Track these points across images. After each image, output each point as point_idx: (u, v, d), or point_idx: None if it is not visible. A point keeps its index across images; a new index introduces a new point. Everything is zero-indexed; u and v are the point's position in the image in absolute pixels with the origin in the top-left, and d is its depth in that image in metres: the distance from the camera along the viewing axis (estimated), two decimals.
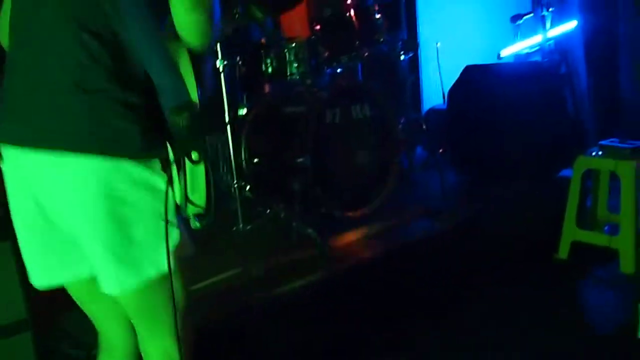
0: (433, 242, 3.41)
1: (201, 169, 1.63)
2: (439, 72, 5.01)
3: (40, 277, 1.77)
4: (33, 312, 2.49)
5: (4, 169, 1.73)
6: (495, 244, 3.50)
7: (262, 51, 3.88)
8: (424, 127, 4.44)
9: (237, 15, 3.62)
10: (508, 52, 4.71)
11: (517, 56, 4.72)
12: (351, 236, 3.36)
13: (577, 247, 3.42)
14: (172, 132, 1.55)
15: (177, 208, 1.66)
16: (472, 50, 5.09)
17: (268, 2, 3.91)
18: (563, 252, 3.46)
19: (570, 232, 3.45)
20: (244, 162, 3.63)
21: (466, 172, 4.09)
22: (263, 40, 4.24)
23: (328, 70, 3.78)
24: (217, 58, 3.42)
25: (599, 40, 4.83)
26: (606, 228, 3.57)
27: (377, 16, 3.72)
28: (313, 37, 3.71)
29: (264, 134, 3.71)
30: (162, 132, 1.58)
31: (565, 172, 3.89)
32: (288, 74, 3.74)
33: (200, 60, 1.65)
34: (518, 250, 3.52)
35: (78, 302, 1.88)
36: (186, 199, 1.62)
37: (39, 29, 1.65)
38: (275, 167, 3.60)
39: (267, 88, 4.26)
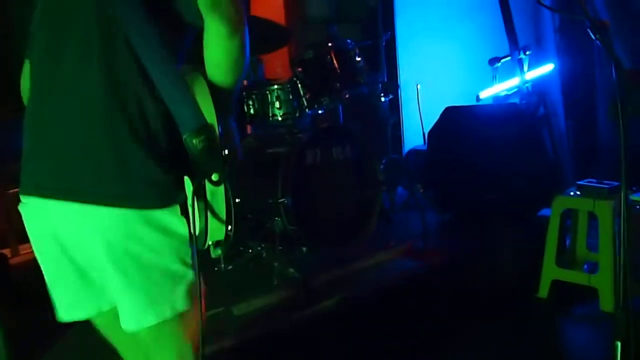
0: (413, 281, 3.42)
1: (221, 190, 1.70)
2: (419, 113, 5.08)
3: (67, 311, 1.82)
4: None
5: (24, 214, 1.76)
6: (475, 283, 3.51)
7: (244, 92, 3.92)
8: (405, 167, 4.48)
9: None
10: (486, 94, 4.78)
11: (496, 98, 4.79)
12: (332, 275, 3.36)
13: (557, 286, 3.44)
14: (191, 156, 1.59)
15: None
16: (452, 91, 5.16)
17: (253, 44, 3.95)
18: (543, 290, 3.48)
19: (550, 271, 3.47)
20: None
21: (446, 212, 4.12)
22: (245, 82, 4.29)
23: (309, 112, 3.82)
24: None
25: (575, 83, 4.92)
26: (585, 267, 3.60)
27: (358, 59, 3.78)
28: (294, 78, 3.75)
29: (246, 174, 3.72)
30: (182, 170, 1.63)
31: (544, 212, 3.93)
32: (270, 115, 3.78)
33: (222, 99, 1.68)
34: (498, 288, 3.53)
35: (105, 335, 1.93)
36: (206, 226, 1.67)
37: (61, 82, 1.67)
38: (256, 207, 3.61)
39: (249, 129, 4.30)
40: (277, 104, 3.75)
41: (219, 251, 1.80)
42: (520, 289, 3.54)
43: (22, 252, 3.93)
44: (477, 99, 4.77)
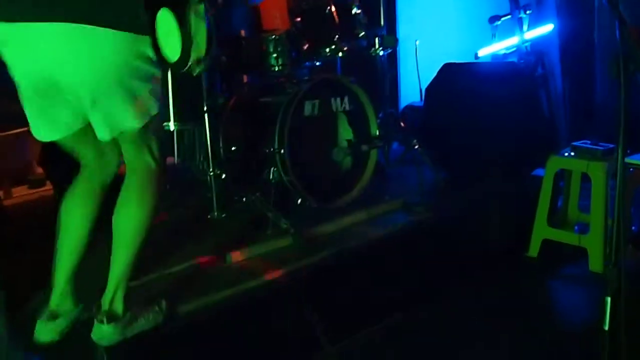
0: (406, 236, 3.44)
1: (201, 8, 2.10)
2: (417, 69, 5.05)
3: (45, 132, 2.22)
4: None
5: (12, 51, 2.06)
6: (466, 240, 3.54)
7: (242, 42, 3.88)
8: (401, 123, 4.47)
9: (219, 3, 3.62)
10: (485, 52, 4.75)
11: (494, 56, 4.76)
12: (326, 228, 3.37)
13: (548, 246, 3.47)
14: None
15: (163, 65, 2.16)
16: (450, 49, 5.12)
17: None
18: (533, 250, 3.51)
19: (541, 230, 3.50)
20: (221, 151, 3.63)
21: (440, 169, 4.12)
22: (242, 31, 4.24)
23: (307, 63, 3.79)
24: None
25: (574, 44, 4.89)
26: (576, 227, 3.63)
27: (357, 11, 3.74)
28: (293, 29, 3.72)
29: (241, 124, 3.71)
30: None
31: (537, 172, 3.94)
32: (267, 65, 3.75)
33: None
34: (489, 246, 3.56)
35: (69, 149, 2.31)
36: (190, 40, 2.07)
37: None
38: (252, 156, 3.61)
39: (246, 78, 4.26)
40: (274, 54, 3.72)
41: (202, 67, 2.18)
42: (511, 248, 3.57)
43: (14, 195, 3.92)
44: (476, 56, 4.74)
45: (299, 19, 3.72)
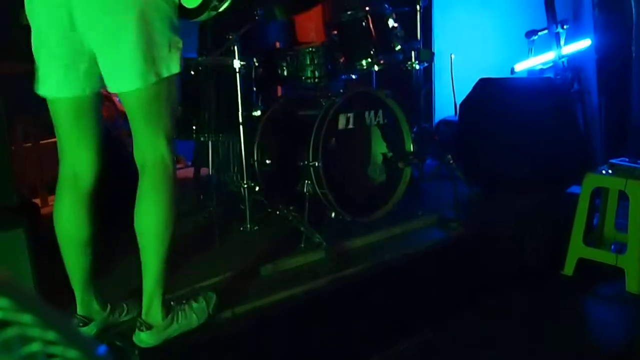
0: (440, 251, 3.41)
1: None
2: (452, 84, 5.03)
3: (55, 88, 2.16)
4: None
5: (33, 3, 2.09)
6: (502, 257, 3.51)
7: (278, 54, 3.90)
8: (436, 137, 4.45)
9: (257, 16, 3.63)
10: (522, 67, 4.72)
11: (531, 71, 4.73)
12: (359, 242, 3.36)
13: (583, 264, 3.43)
14: None
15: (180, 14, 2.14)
16: (486, 63, 5.10)
17: (287, 3, 3.93)
18: (569, 268, 3.47)
19: (577, 249, 3.46)
20: (255, 163, 3.64)
21: (475, 184, 4.10)
22: (278, 43, 4.27)
23: (342, 76, 3.80)
24: (235, 58, 3.43)
25: (611, 60, 4.84)
26: (613, 247, 3.58)
27: (394, 24, 3.73)
28: (329, 42, 3.72)
29: (276, 136, 3.72)
30: None
31: (573, 189, 3.90)
32: (303, 77, 3.77)
33: None
34: (524, 263, 3.53)
35: (64, 121, 2.22)
36: None
37: None
38: (286, 169, 3.61)
39: (281, 91, 4.28)
40: (310, 67, 3.73)
41: (227, 3, 2.17)
42: (546, 265, 3.54)
43: (50, 203, 3.96)
44: (512, 71, 4.71)
45: (335, 32, 3.73)
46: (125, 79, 2.09)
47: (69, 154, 2.28)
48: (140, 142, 2.21)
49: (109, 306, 2.47)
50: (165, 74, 2.12)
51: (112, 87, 2.14)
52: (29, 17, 2.15)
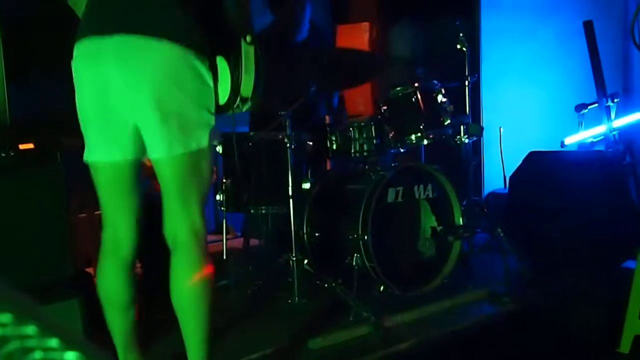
0: (490, 327, 3.35)
1: (252, 50, 2.22)
2: (501, 157, 5.03)
3: (97, 153, 2.25)
4: None
5: (78, 64, 2.20)
6: (555, 333, 3.43)
7: (327, 127, 3.97)
8: (485, 210, 4.43)
9: (309, 93, 3.72)
10: (572, 140, 4.71)
11: (581, 145, 4.71)
12: (408, 316, 3.33)
13: None
14: (232, 19, 2.24)
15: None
16: (535, 136, 5.11)
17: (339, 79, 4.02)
18: (625, 346, 3.36)
19: (633, 326, 3.35)
20: (305, 236, 3.67)
21: (526, 258, 4.04)
22: (327, 118, 4.35)
23: (392, 150, 3.83)
24: (286, 133, 3.51)
25: None
26: None
27: (443, 99, 3.77)
28: (379, 116, 3.78)
29: (326, 209, 3.75)
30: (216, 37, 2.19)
31: (628, 263, 3.81)
32: (352, 151, 3.82)
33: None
34: (578, 341, 3.43)
35: (107, 188, 2.30)
36: (239, 81, 2.20)
37: None
38: (335, 242, 3.63)
39: (330, 164, 4.33)
40: (360, 141, 3.78)
41: (248, 105, 2.27)
42: (601, 342, 3.43)
43: None
44: (562, 144, 4.70)
45: (385, 107, 3.78)
46: (155, 146, 2.18)
47: (110, 219, 2.36)
48: (172, 216, 2.25)
49: None
50: (193, 147, 2.17)
51: (149, 154, 2.23)
52: (75, 86, 2.25)
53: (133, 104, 2.15)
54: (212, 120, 2.23)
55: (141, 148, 2.25)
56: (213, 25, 2.24)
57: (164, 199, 2.26)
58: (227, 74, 2.22)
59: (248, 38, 2.22)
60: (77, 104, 2.26)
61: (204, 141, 2.19)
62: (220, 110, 2.27)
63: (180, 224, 2.23)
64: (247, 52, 2.23)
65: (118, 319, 2.41)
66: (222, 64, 2.23)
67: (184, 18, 2.14)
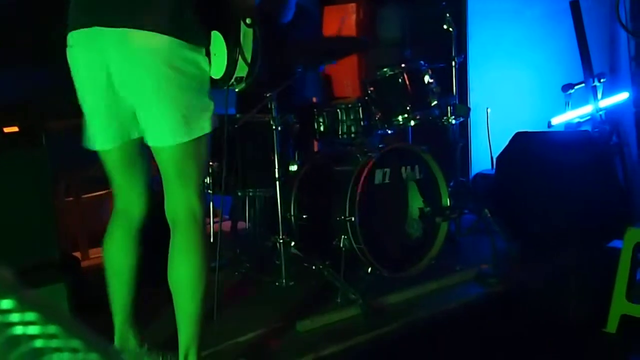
0: (478, 307, 3.37)
1: (251, 32, 2.27)
2: (489, 138, 5.04)
3: (98, 142, 2.32)
4: None
5: (76, 52, 2.24)
6: (541, 313, 3.45)
7: (314, 109, 3.96)
8: (472, 191, 4.43)
9: (295, 74, 3.70)
10: (559, 120, 4.71)
11: (568, 125, 4.72)
12: (396, 298, 3.34)
13: (627, 321, 3.35)
14: (233, 3, 2.28)
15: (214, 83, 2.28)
16: (522, 117, 5.11)
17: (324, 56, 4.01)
18: (612, 325, 3.38)
19: (620, 305, 3.38)
20: (292, 218, 3.66)
21: (513, 239, 4.05)
22: (314, 99, 4.33)
23: (379, 132, 3.82)
24: (272, 115, 3.49)
25: None
26: None
27: (430, 80, 3.76)
28: (366, 98, 3.76)
29: (313, 191, 3.74)
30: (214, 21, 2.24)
31: (614, 243, 3.83)
32: (339, 133, 3.81)
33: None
34: (564, 320, 3.45)
35: (115, 168, 2.38)
36: (237, 59, 2.24)
37: None
38: (322, 224, 3.62)
39: (318, 146, 4.32)
40: (347, 122, 3.77)
41: (243, 85, 2.32)
42: (587, 322, 3.45)
43: (91, 256, 4.03)
44: (549, 125, 4.71)
45: (372, 89, 3.77)
46: (159, 136, 2.23)
47: (120, 191, 2.45)
48: (172, 198, 2.32)
49: (145, 346, 2.54)
50: (197, 134, 2.23)
51: (148, 141, 2.27)
52: (72, 74, 2.29)
53: (134, 95, 2.20)
54: (212, 105, 2.27)
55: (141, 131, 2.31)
56: (210, 4, 2.26)
57: (163, 180, 2.33)
58: (223, 50, 2.25)
59: (248, 20, 2.26)
60: (77, 91, 2.30)
61: (206, 127, 2.25)
62: (212, 84, 2.30)
63: (179, 206, 2.30)
64: (246, 33, 2.28)
65: (120, 291, 2.47)
66: (218, 39, 2.26)
67: (181, 8, 2.16)
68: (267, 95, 3.49)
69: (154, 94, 2.16)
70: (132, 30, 2.12)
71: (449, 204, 3.69)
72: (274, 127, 3.50)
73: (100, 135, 2.32)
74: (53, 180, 3.12)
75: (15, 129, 2.85)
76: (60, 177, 4.15)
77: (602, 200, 3.98)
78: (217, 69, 2.27)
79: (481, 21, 5.30)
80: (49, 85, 3.97)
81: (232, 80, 2.29)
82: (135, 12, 2.13)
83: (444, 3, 4.15)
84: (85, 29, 2.19)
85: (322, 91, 4.48)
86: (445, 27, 4.13)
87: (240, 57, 2.26)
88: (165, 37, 2.11)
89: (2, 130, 2.80)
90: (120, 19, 2.13)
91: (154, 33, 2.11)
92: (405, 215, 3.62)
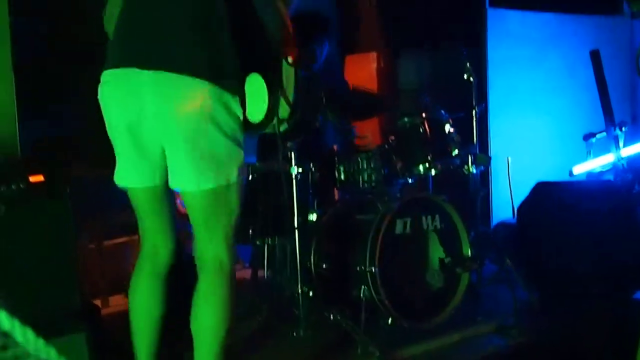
0: (501, 359, 3.32)
1: (292, 71, 2.28)
2: (510, 187, 5.02)
3: (127, 179, 2.34)
4: None
5: (109, 90, 2.25)
6: None
7: (335, 158, 3.97)
8: (494, 240, 4.40)
9: (316, 123, 3.73)
10: (580, 169, 4.69)
11: (590, 174, 4.70)
12: (416, 349, 3.30)
13: None
14: (275, 43, 2.28)
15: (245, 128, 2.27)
16: (543, 165, 5.10)
17: (348, 110, 4.04)
18: None
19: None
20: (312, 267, 3.65)
21: (535, 289, 4.01)
22: (335, 147, 4.35)
23: (400, 180, 3.82)
24: (291, 165, 3.51)
25: None
26: None
27: (450, 129, 3.77)
28: (386, 146, 3.77)
29: (333, 240, 3.74)
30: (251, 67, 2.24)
31: (639, 295, 3.78)
32: (360, 181, 3.81)
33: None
34: None
35: (143, 208, 2.39)
36: (278, 101, 2.25)
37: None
38: (342, 274, 3.60)
39: (338, 194, 4.32)
40: (367, 171, 3.78)
41: (286, 126, 2.31)
42: None
43: (112, 304, 4.03)
44: (570, 174, 4.69)
45: (392, 137, 3.78)
46: (184, 180, 2.24)
47: (148, 232, 2.45)
48: (199, 243, 2.32)
49: None
50: (223, 182, 2.22)
51: (173, 184, 2.29)
52: (103, 112, 2.31)
53: (165, 137, 2.20)
54: (241, 155, 2.28)
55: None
56: (251, 45, 2.27)
57: (192, 224, 2.34)
58: (262, 92, 2.25)
59: (290, 59, 2.27)
60: (107, 129, 2.33)
61: (233, 176, 2.24)
62: (253, 128, 2.30)
63: (205, 252, 2.30)
64: (288, 72, 2.29)
65: (145, 337, 2.46)
66: (259, 82, 2.26)
67: (219, 52, 2.18)
68: (289, 144, 3.51)
69: (183, 138, 2.17)
70: (168, 73, 2.13)
71: (470, 254, 3.66)
72: (294, 176, 3.51)
73: (130, 173, 2.33)
74: (76, 227, 3.15)
75: (40, 178, 2.88)
76: (83, 223, 4.19)
77: (625, 249, 3.93)
78: (256, 113, 2.27)
79: (501, 69, 5.33)
80: (74, 132, 4.04)
81: (275, 121, 2.28)
82: (173, 55, 2.15)
83: (464, 52, 4.18)
84: (121, 69, 2.22)
85: (343, 139, 4.49)
86: (465, 76, 4.15)
87: (283, 97, 2.27)
88: (202, 82, 2.12)
89: (28, 180, 2.84)
90: (158, 60, 2.15)
91: (192, 77, 2.12)
92: (426, 266, 3.60)
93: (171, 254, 2.47)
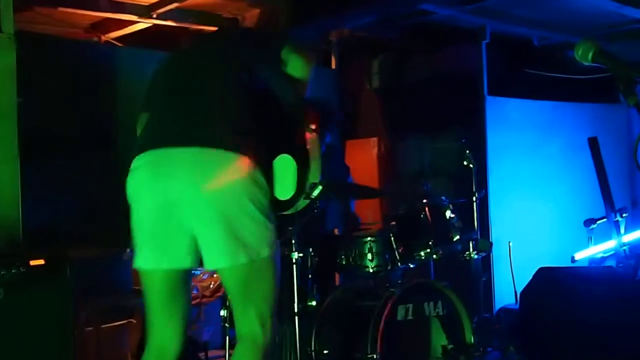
0: None
1: (316, 139, 2.41)
2: (511, 272, 4.99)
3: (147, 261, 2.32)
4: None
5: (140, 175, 2.28)
6: None
7: (335, 242, 3.96)
8: (497, 326, 4.35)
9: (316, 209, 3.74)
10: (582, 255, 4.68)
11: (592, 260, 4.68)
12: None
13: None
14: (293, 113, 2.39)
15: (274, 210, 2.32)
16: (544, 251, 5.09)
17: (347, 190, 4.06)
18: None
19: None
20: (313, 354, 3.59)
21: None
22: (336, 231, 4.35)
23: (401, 266, 3.80)
24: (292, 250, 3.49)
25: None
26: None
27: (451, 215, 3.79)
28: (388, 232, 3.77)
29: (334, 326, 3.69)
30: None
31: None
32: (361, 266, 3.79)
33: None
34: None
35: (155, 295, 2.35)
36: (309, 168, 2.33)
37: (199, 82, 2.37)
38: None
39: (339, 280, 4.30)
40: (369, 256, 3.76)
41: (318, 189, 2.48)
42: None
43: None
44: (572, 260, 4.67)
45: (393, 223, 3.79)
46: (217, 258, 2.25)
47: (157, 327, 2.40)
48: (236, 316, 2.35)
49: None
50: (254, 257, 2.25)
51: (207, 264, 2.30)
52: (129, 196, 2.32)
53: (198, 216, 2.22)
54: (273, 229, 2.31)
55: (195, 259, 2.33)
56: (275, 126, 2.36)
57: (229, 298, 2.42)
58: (292, 169, 2.32)
59: (312, 126, 2.39)
60: (132, 213, 2.33)
61: (264, 252, 2.26)
62: (281, 206, 2.38)
63: (240, 326, 2.34)
64: (312, 142, 2.40)
65: None
66: (288, 162, 2.33)
67: (249, 134, 2.26)
68: (290, 228, 3.51)
69: (218, 213, 2.20)
70: (204, 148, 2.21)
71: (472, 341, 3.61)
72: (293, 262, 3.49)
73: (154, 255, 2.32)
74: (74, 310, 3.13)
75: (41, 261, 2.88)
76: (81, 306, 4.15)
77: (629, 337, 3.88)
78: (284, 191, 2.34)
79: (500, 155, 5.39)
80: (75, 213, 4.05)
81: (308, 189, 2.39)
82: (208, 134, 2.23)
83: (463, 140, 4.24)
84: (157, 149, 2.26)
85: (344, 223, 4.51)
86: (465, 163, 4.19)
87: (312, 162, 2.37)
88: (236, 156, 2.20)
89: (29, 263, 2.84)
90: (193, 139, 2.23)
91: (227, 152, 2.19)
92: (429, 353, 3.55)
93: (180, 349, 2.41)
